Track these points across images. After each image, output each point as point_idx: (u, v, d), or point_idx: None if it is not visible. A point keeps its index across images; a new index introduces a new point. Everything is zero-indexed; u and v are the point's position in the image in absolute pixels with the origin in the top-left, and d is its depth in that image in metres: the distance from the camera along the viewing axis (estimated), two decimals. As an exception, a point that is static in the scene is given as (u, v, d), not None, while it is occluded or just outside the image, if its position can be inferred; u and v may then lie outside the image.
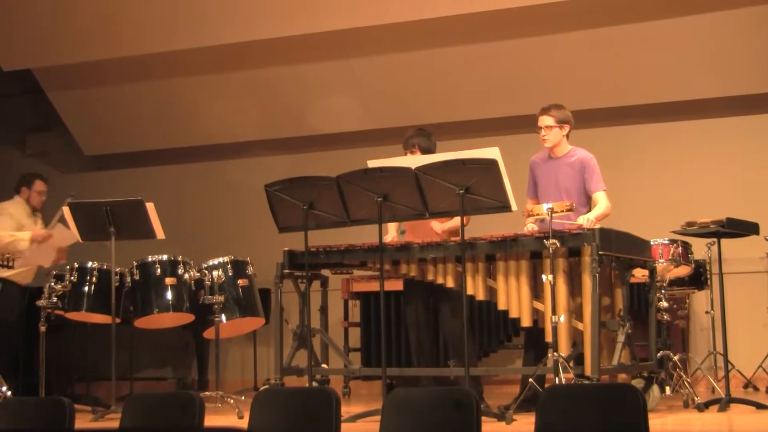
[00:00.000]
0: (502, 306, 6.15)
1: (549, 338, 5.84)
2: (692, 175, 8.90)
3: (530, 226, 6.26)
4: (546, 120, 6.47)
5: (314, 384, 6.33)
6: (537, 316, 6.11)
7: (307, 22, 8.75)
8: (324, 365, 6.73)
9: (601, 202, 6.39)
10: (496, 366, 8.24)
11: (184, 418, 4.16)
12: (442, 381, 6.47)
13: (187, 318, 7.48)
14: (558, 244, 5.78)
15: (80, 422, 5.62)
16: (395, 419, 3.91)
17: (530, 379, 5.83)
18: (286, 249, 6.63)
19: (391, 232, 6.89)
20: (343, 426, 4.14)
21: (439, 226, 6.61)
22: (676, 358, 6.91)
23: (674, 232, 7.07)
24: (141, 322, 7.42)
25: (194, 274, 7.33)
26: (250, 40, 9.02)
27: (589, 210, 6.38)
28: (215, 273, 7.28)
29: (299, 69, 9.49)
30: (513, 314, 6.13)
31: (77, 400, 7.22)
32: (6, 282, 7.75)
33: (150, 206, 7.04)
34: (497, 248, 6.09)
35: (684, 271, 7.32)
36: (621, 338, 6.01)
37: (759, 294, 8.44)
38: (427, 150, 6.66)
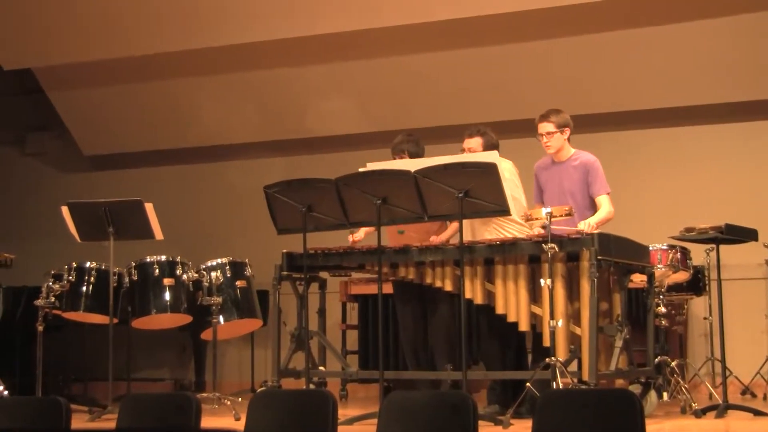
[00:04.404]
0: (500, 310, 6.13)
1: (547, 343, 5.84)
2: (691, 181, 8.89)
3: (537, 231, 6.21)
4: (546, 126, 6.42)
5: (311, 386, 6.32)
6: (535, 320, 6.10)
7: (305, 25, 8.75)
8: (321, 368, 6.72)
9: (604, 205, 6.33)
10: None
11: (180, 419, 4.16)
12: (439, 385, 6.46)
13: (185, 319, 7.47)
14: (556, 248, 5.76)
15: (77, 422, 5.61)
16: (392, 422, 3.90)
17: (527, 384, 5.82)
18: (284, 251, 6.63)
19: (359, 233, 6.81)
20: (340, 429, 4.14)
21: (438, 240, 6.51)
22: (673, 363, 6.90)
23: (673, 237, 7.05)
24: (139, 323, 7.41)
25: (192, 275, 7.32)
26: (248, 41, 9.02)
27: (594, 213, 6.32)
28: (213, 274, 7.28)
29: (297, 71, 9.48)
30: (511, 318, 6.12)
31: (74, 400, 7.21)
32: None
33: (149, 207, 7.03)
34: (496, 252, 6.08)
35: (682, 276, 7.31)
36: (619, 343, 5.99)
37: (757, 300, 8.43)
38: (416, 155, 6.65)
